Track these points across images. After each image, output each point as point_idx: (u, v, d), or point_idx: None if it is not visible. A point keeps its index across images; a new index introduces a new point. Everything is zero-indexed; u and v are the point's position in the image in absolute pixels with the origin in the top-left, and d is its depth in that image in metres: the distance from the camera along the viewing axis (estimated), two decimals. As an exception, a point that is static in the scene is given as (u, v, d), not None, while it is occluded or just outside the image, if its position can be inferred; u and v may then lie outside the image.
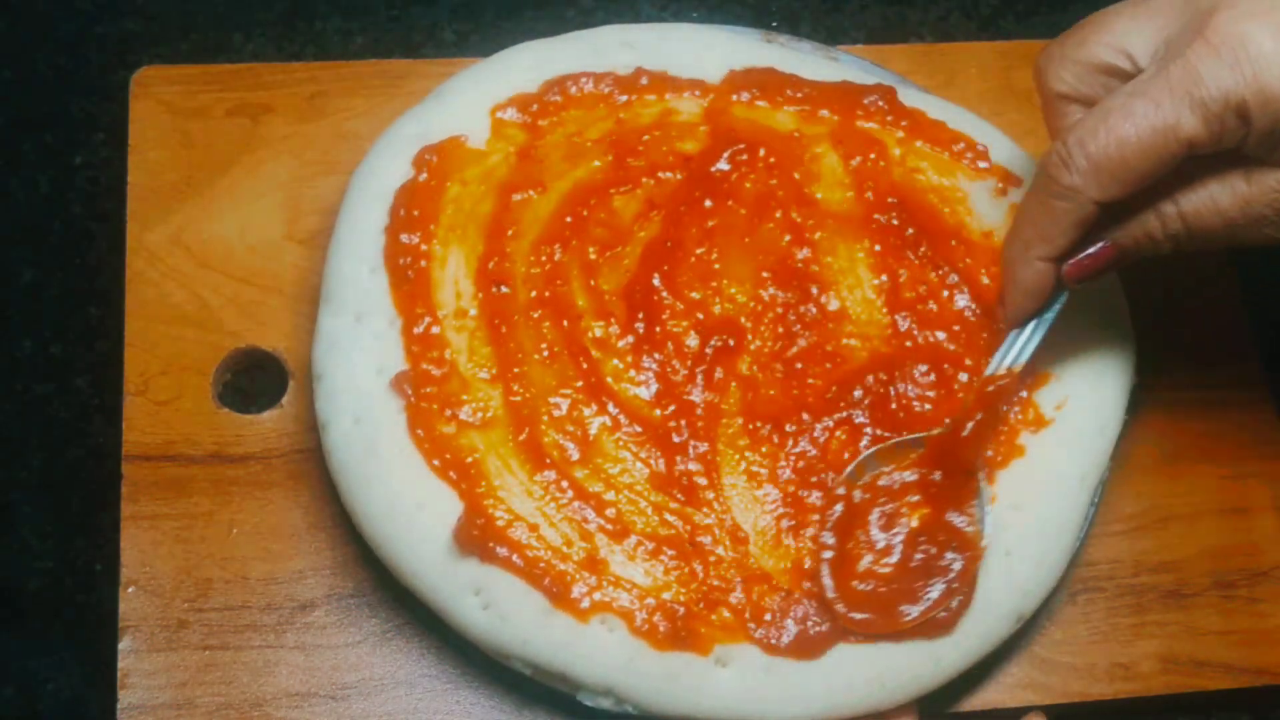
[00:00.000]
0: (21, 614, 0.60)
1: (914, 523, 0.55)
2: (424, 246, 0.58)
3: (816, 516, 0.56)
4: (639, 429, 0.56)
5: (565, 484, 0.55)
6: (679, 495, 0.56)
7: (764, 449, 0.57)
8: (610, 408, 0.56)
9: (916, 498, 0.56)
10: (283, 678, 0.57)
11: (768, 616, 0.54)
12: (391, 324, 0.57)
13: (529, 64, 0.63)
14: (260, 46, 0.72)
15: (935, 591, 0.54)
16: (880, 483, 0.56)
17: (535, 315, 0.58)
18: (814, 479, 0.56)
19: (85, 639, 0.60)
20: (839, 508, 0.55)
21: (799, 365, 0.58)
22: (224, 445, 0.60)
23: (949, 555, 0.55)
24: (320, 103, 0.67)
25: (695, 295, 0.59)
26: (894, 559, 0.55)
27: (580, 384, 0.57)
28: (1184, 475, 0.63)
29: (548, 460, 0.55)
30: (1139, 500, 0.63)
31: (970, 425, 0.56)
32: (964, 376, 0.58)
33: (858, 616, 0.54)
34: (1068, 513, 0.57)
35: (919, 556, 0.55)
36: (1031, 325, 0.56)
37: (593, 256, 0.59)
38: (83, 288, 0.66)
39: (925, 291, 0.60)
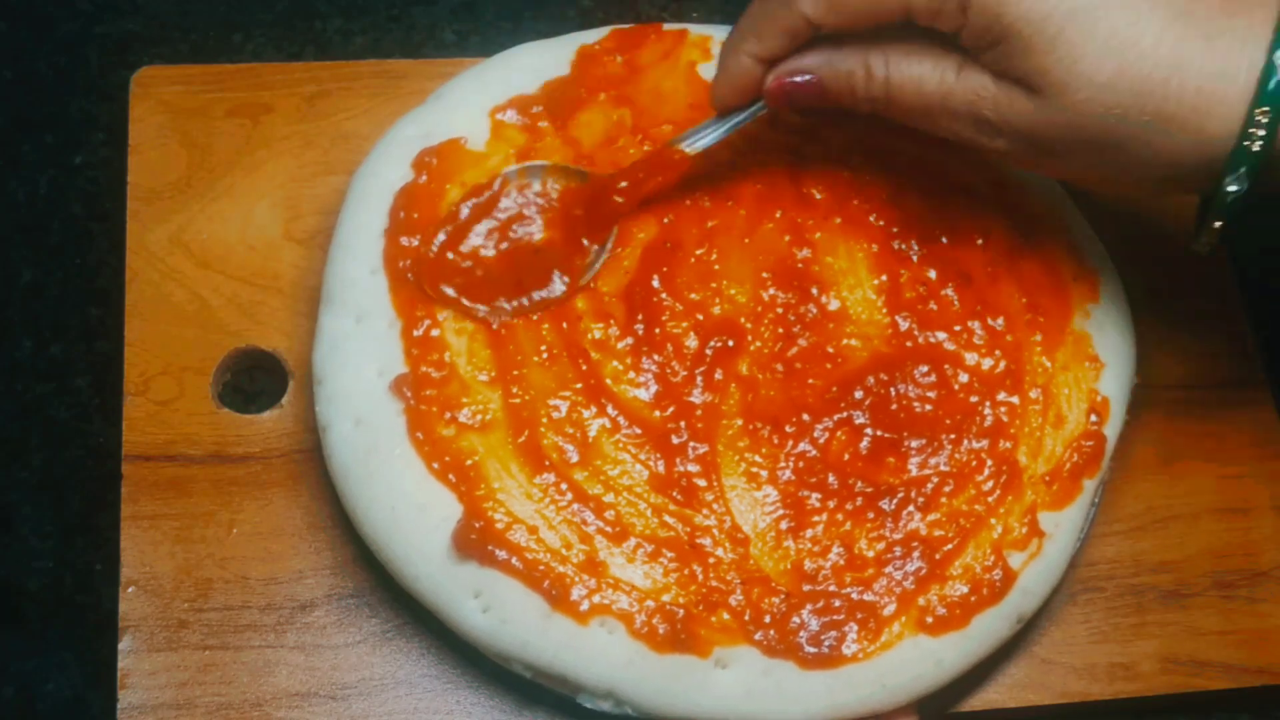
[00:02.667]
0: (21, 614, 0.60)
1: (537, 240, 0.58)
2: (423, 249, 0.58)
3: (818, 518, 0.56)
4: (638, 431, 0.56)
5: (565, 486, 0.55)
6: (678, 497, 0.55)
7: (764, 450, 0.57)
8: (610, 410, 0.56)
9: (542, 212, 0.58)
10: (283, 678, 0.57)
11: (767, 619, 0.54)
12: (391, 326, 0.57)
13: (529, 65, 0.63)
14: (260, 46, 0.72)
15: (538, 296, 0.56)
16: (527, 191, 0.58)
17: (534, 317, 0.58)
18: (814, 480, 0.56)
19: (85, 639, 0.60)
20: (484, 195, 0.58)
21: (799, 366, 0.58)
22: (224, 445, 0.60)
23: (555, 275, 0.57)
24: (320, 103, 0.67)
25: (695, 296, 0.59)
26: (488, 254, 0.57)
27: (579, 386, 0.57)
28: (1184, 475, 0.63)
29: (547, 462, 0.55)
30: (1139, 500, 0.63)
31: (624, 184, 0.57)
32: (964, 377, 0.58)
33: (447, 291, 0.56)
34: (1071, 513, 0.57)
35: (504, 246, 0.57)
36: (729, 120, 0.57)
37: None
38: (83, 288, 0.66)
39: (925, 292, 0.60)
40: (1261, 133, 0.47)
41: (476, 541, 0.53)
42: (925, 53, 0.51)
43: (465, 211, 0.57)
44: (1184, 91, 0.47)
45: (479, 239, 0.57)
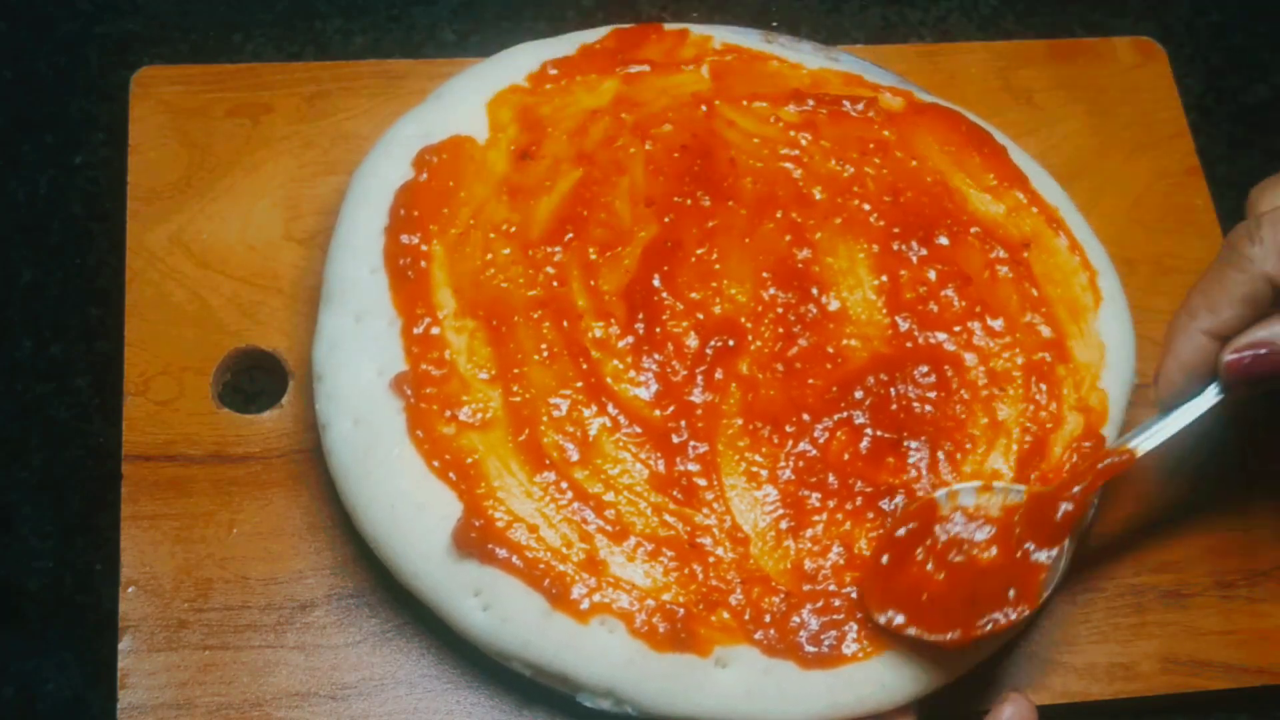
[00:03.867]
0: (21, 614, 0.60)
1: (981, 555, 0.54)
2: (424, 247, 0.58)
3: (818, 518, 0.56)
4: (639, 430, 0.56)
5: (565, 485, 0.55)
6: (679, 496, 0.55)
7: (764, 450, 0.57)
8: (610, 408, 0.56)
9: (991, 537, 0.54)
10: (283, 678, 0.57)
11: (767, 618, 0.54)
12: (391, 324, 0.57)
13: (528, 64, 0.63)
14: (260, 46, 0.72)
15: (1000, 618, 0.53)
16: (957, 514, 0.54)
17: (535, 316, 0.58)
18: (814, 480, 0.56)
19: (85, 639, 0.60)
20: (916, 520, 0.54)
21: (799, 366, 0.58)
22: (224, 445, 0.60)
23: (1010, 593, 0.53)
24: (320, 103, 0.67)
25: (695, 296, 0.59)
26: (942, 576, 0.54)
27: (580, 385, 0.57)
28: (1184, 475, 0.63)
29: (547, 461, 0.55)
30: (1139, 500, 0.63)
31: (1075, 490, 0.54)
32: (965, 377, 0.58)
33: (896, 618, 0.53)
34: None
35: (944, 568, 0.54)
36: (1175, 413, 0.54)
37: (593, 257, 0.59)
38: (83, 288, 0.66)
39: (925, 292, 0.60)
40: None
41: (476, 540, 0.53)
42: None
43: (902, 532, 0.54)
44: None
45: (922, 563, 0.54)
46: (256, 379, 0.62)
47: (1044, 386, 0.59)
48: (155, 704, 0.56)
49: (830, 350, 0.59)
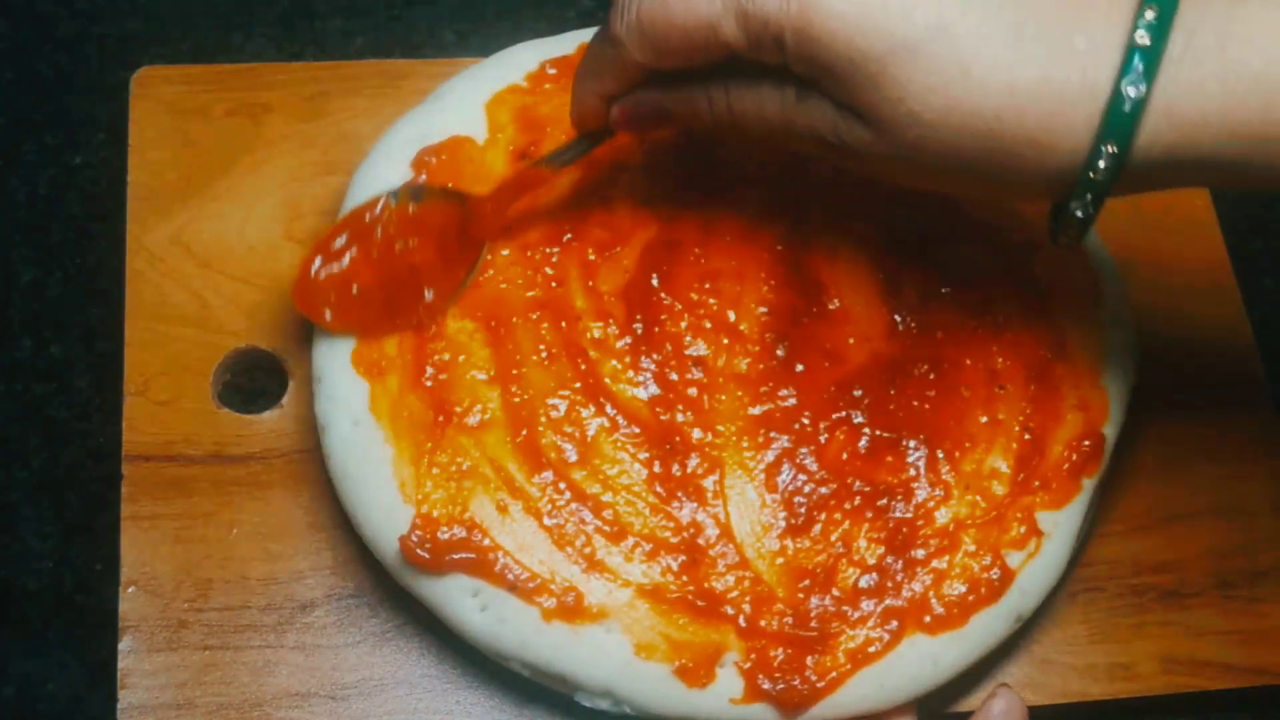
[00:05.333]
0: (21, 614, 0.60)
1: (414, 252, 0.57)
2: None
3: (817, 517, 0.56)
4: (637, 430, 0.56)
5: (563, 485, 0.55)
6: (677, 496, 0.56)
7: (762, 449, 0.57)
8: (608, 409, 0.56)
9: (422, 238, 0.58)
10: (283, 678, 0.57)
11: (763, 622, 0.54)
12: (391, 325, 0.57)
13: (530, 62, 0.63)
14: (260, 46, 0.72)
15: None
16: (410, 210, 0.58)
17: (533, 316, 0.58)
18: (812, 479, 0.56)
19: (85, 639, 0.60)
20: (365, 216, 0.57)
21: (798, 365, 0.58)
22: (224, 445, 0.60)
23: (427, 293, 0.57)
24: (320, 103, 0.67)
25: (694, 296, 0.59)
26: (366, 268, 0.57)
27: (578, 385, 0.57)
28: (1184, 475, 0.63)
29: (545, 461, 0.55)
30: (1139, 500, 0.63)
31: (490, 205, 0.57)
32: (963, 376, 0.58)
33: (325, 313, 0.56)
34: (1070, 512, 0.57)
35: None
36: (583, 140, 0.57)
37: (591, 257, 0.59)
38: (83, 288, 0.66)
39: (925, 291, 0.60)
40: (1104, 163, 0.45)
41: (430, 554, 0.54)
42: (764, 78, 0.49)
43: (340, 241, 0.57)
44: (1023, 118, 0.44)
45: (355, 257, 0.57)
46: (256, 379, 0.62)
47: (1044, 385, 0.59)
48: (155, 704, 0.56)
49: (829, 349, 0.59)
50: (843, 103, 0.47)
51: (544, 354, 0.57)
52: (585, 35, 0.64)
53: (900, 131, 0.46)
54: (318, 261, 0.57)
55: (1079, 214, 0.47)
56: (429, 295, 0.57)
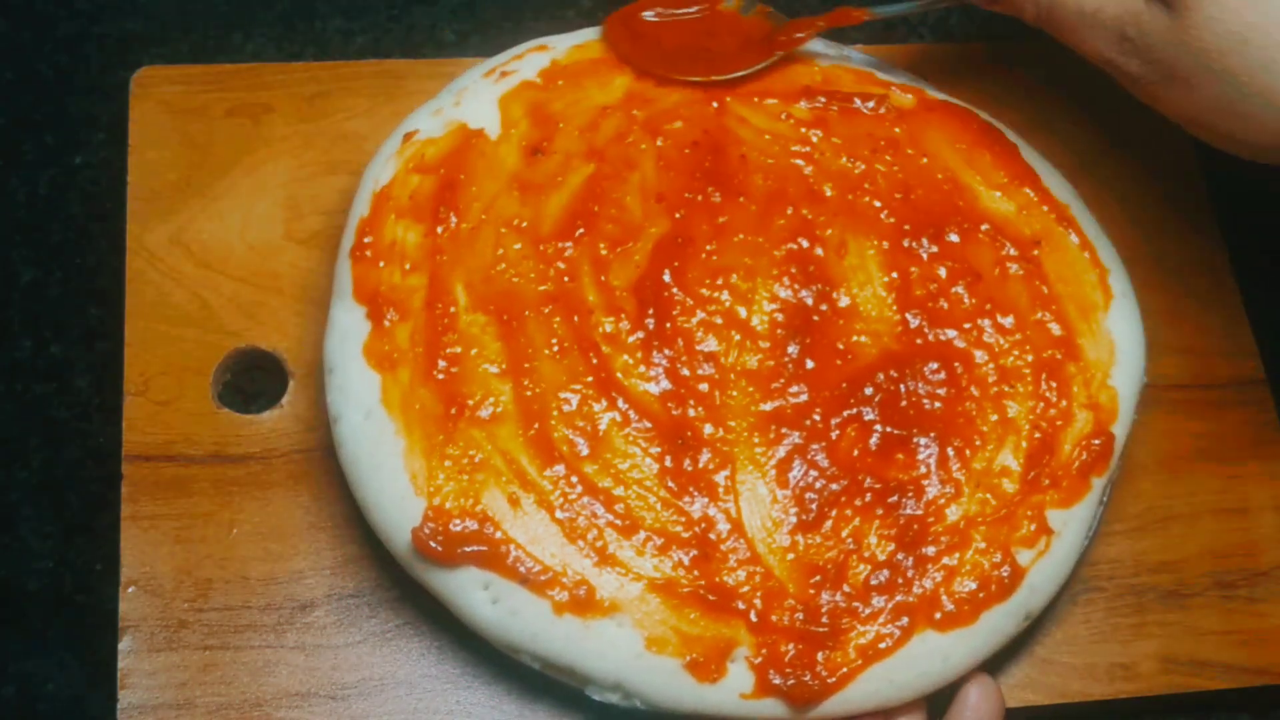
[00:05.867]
0: (21, 614, 0.60)
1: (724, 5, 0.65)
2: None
3: (828, 514, 0.56)
4: (649, 425, 0.56)
5: (575, 479, 0.55)
6: (689, 491, 0.56)
7: (773, 445, 0.57)
8: (620, 403, 0.56)
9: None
10: (283, 678, 0.57)
11: (774, 617, 0.54)
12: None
13: (539, 58, 0.63)
14: (260, 46, 0.72)
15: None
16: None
17: (546, 311, 0.58)
18: (823, 476, 0.56)
19: (85, 639, 0.60)
20: None
21: (809, 362, 0.58)
22: (224, 445, 0.60)
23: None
24: (320, 103, 0.67)
25: (705, 291, 0.59)
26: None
27: (590, 379, 0.57)
28: (1184, 475, 0.63)
29: (557, 455, 0.55)
30: (1139, 500, 0.63)
31: (800, 33, 0.64)
32: (974, 374, 0.59)
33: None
34: (1079, 511, 0.58)
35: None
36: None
37: (603, 252, 0.59)
38: (83, 288, 0.66)
39: (936, 289, 0.60)
40: None
41: (442, 545, 0.54)
42: None
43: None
44: None
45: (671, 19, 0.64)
46: (256, 379, 0.62)
47: (1054, 384, 0.59)
48: (155, 704, 0.56)
49: (840, 346, 0.59)
50: None
51: (556, 348, 0.57)
52: (596, 33, 0.64)
53: (1197, 11, 0.50)
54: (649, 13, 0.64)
55: None
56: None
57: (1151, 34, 0.53)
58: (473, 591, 0.54)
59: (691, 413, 0.57)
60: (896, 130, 0.63)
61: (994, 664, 0.58)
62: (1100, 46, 0.55)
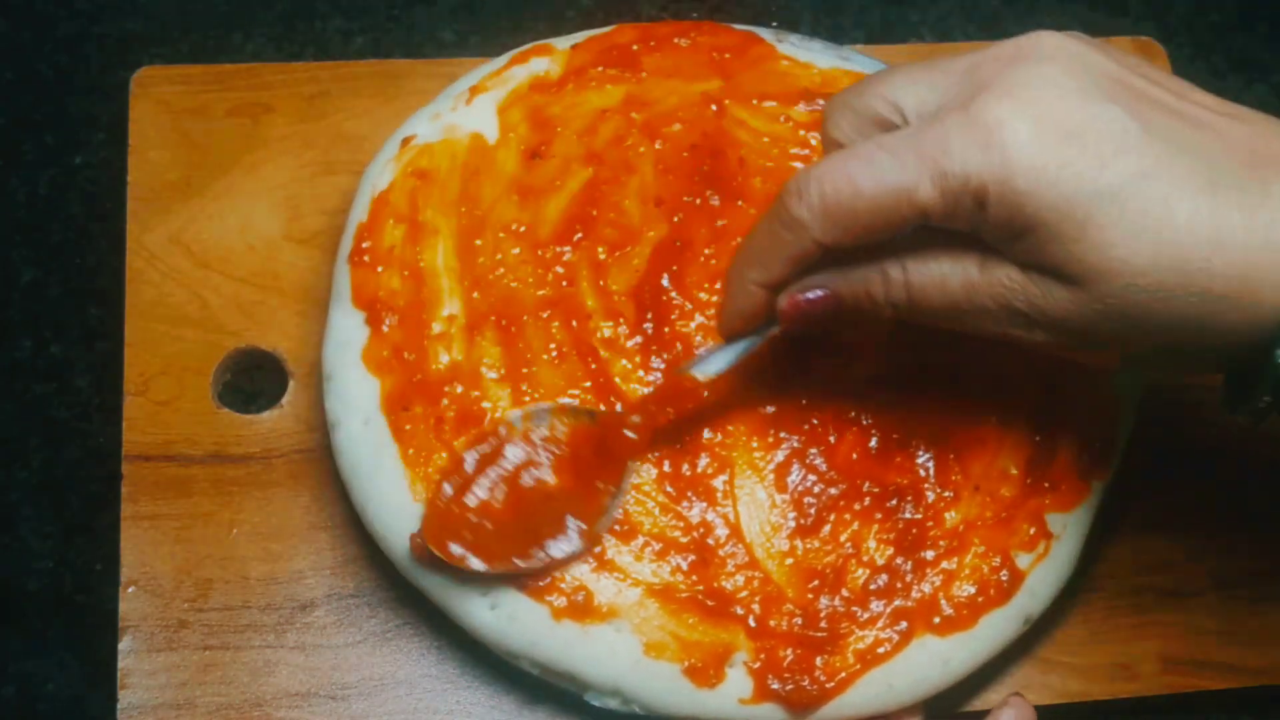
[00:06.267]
0: (21, 614, 0.60)
1: (550, 480, 0.54)
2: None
3: (826, 518, 0.56)
4: None
5: None
6: (687, 496, 0.56)
7: (772, 450, 0.57)
8: (619, 408, 0.56)
9: (551, 460, 0.55)
10: (283, 678, 0.57)
11: (773, 622, 0.54)
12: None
13: (539, 61, 0.63)
14: (260, 46, 0.72)
15: (555, 551, 0.53)
16: (534, 436, 0.55)
17: (544, 315, 0.58)
18: (822, 480, 0.56)
19: (85, 639, 0.60)
20: (487, 444, 0.54)
21: (808, 365, 0.58)
22: (224, 445, 0.60)
23: (570, 521, 0.54)
24: (320, 103, 0.67)
25: (704, 295, 0.59)
26: (496, 505, 0.54)
27: (589, 384, 0.57)
28: (1184, 476, 0.63)
29: None
30: (1139, 500, 0.63)
31: (636, 419, 0.55)
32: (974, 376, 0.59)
33: (455, 549, 0.52)
34: (1079, 514, 0.58)
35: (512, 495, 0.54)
36: (740, 344, 0.54)
37: (602, 256, 0.59)
38: (83, 288, 0.66)
39: None
40: None
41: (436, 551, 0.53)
42: (943, 252, 0.48)
43: (471, 461, 0.54)
44: (1229, 266, 0.44)
45: (485, 491, 0.54)
46: (256, 379, 0.62)
47: (1054, 388, 0.59)
48: (155, 704, 0.56)
49: (839, 350, 0.59)
50: (1036, 263, 0.46)
51: (554, 353, 0.57)
52: (595, 33, 0.64)
53: (1106, 282, 0.45)
54: (447, 490, 0.54)
55: None
56: (573, 524, 0.54)
57: (1050, 306, 0.46)
58: (471, 597, 0.54)
59: (690, 418, 0.57)
60: None
61: (994, 665, 0.58)
62: (987, 326, 0.48)
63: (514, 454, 0.55)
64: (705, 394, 0.55)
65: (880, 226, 0.47)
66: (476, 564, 0.52)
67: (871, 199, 0.46)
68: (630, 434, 0.55)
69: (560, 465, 0.55)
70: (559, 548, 0.53)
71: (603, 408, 0.56)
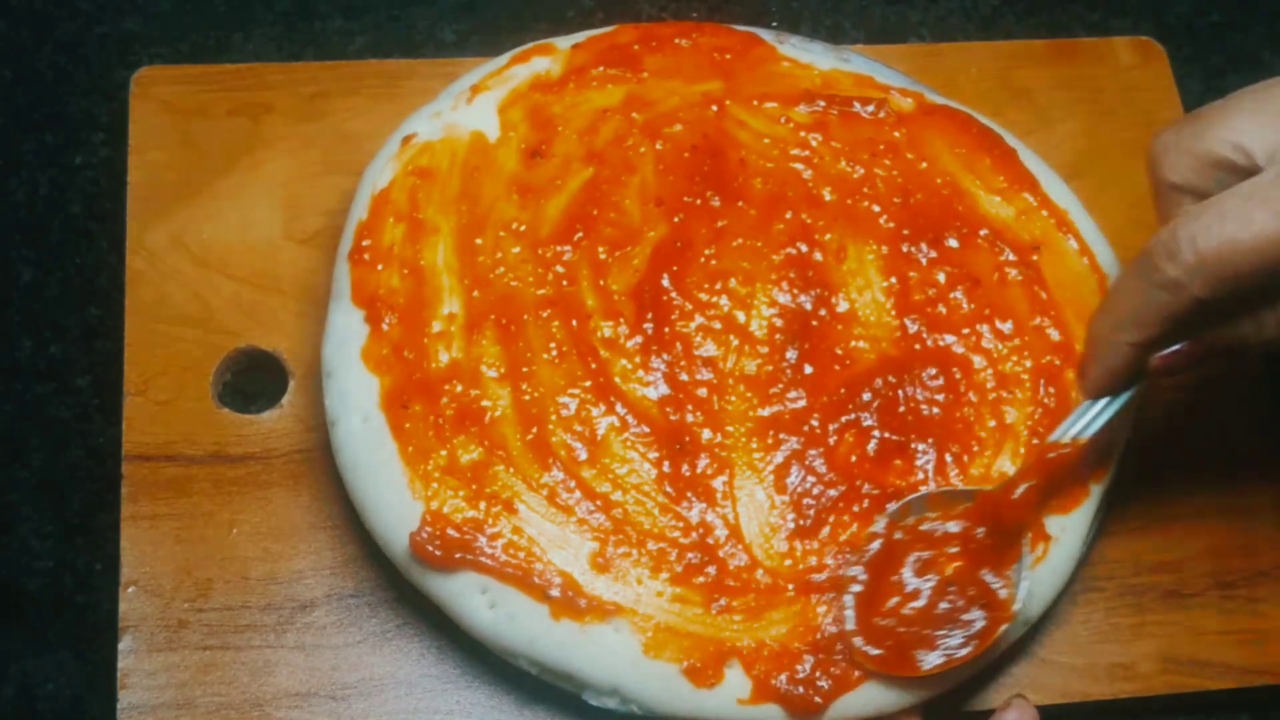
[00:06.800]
0: (21, 614, 0.60)
1: (948, 572, 0.54)
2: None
3: (826, 519, 0.56)
4: (647, 430, 0.56)
5: (573, 484, 0.55)
6: (687, 496, 0.55)
7: (771, 451, 0.57)
8: (618, 408, 0.56)
9: (956, 549, 0.55)
10: (283, 678, 0.57)
11: (784, 677, 0.54)
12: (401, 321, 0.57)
13: (539, 60, 0.63)
14: (260, 46, 0.72)
15: (954, 641, 0.53)
16: (923, 528, 0.55)
17: (544, 315, 0.58)
18: (821, 481, 0.56)
19: (85, 639, 0.60)
20: (876, 544, 0.55)
21: (807, 367, 0.58)
22: (224, 445, 0.60)
23: (974, 611, 0.54)
24: (320, 103, 0.67)
25: (704, 296, 0.59)
26: (920, 604, 0.54)
27: (588, 384, 0.57)
28: (1184, 475, 0.63)
29: (555, 460, 0.55)
30: (1139, 500, 0.63)
31: (1022, 489, 0.55)
32: (973, 379, 0.59)
33: (872, 652, 0.53)
34: (1077, 517, 0.58)
35: (944, 605, 0.54)
36: (1105, 401, 0.56)
37: (602, 256, 0.59)
38: (83, 288, 0.66)
39: (934, 295, 0.60)
40: None
41: (440, 550, 0.54)
42: None
43: (862, 575, 0.54)
44: None
45: (895, 603, 0.54)
46: (256, 379, 0.62)
47: (1052, 390, 0.58)
48: (155, 704, 0.56)
49: (839, 352, 0.59)
50: None
51: (554, 352, 0.57)
52: (596, 33, 0.64)
53: None
54: (852, 612, 0.54)
55: None
56: (978, 617, 0.53)
57: None
58: (470, 596, 0.54)
59: (690, 418, 0.57)
60: (896, 134, 0.63)
61: (994, 665, 0.58)
62: None
63: (910, 557, 0.55)
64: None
65: (1260, 277, 0.48)
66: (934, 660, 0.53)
67: (1251, 251, 0.47)
68: (1020, 507, 0.54)
69: (953, 555, 0.55)
70: (962, 636, 0.53)
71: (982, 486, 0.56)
